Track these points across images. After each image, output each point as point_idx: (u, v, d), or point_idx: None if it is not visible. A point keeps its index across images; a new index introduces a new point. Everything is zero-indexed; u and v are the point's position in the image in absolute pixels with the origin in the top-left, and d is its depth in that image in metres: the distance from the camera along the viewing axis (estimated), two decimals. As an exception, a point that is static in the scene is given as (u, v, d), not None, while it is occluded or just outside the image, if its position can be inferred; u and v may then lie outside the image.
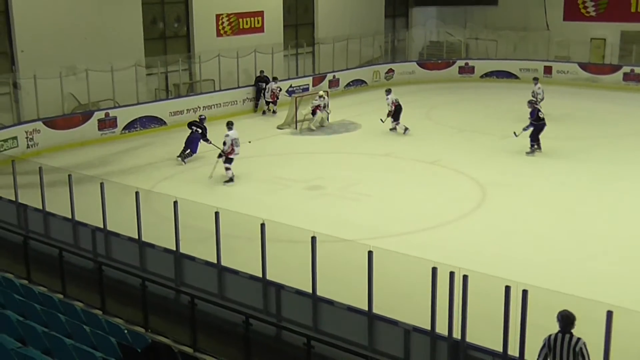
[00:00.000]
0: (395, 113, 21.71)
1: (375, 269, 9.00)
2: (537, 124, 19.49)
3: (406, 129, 21.55)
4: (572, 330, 7.33)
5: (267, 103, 25.54)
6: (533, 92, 22.72)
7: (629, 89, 29.00)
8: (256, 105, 26.02)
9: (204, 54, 25.55)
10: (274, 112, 25.30)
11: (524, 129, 19.56)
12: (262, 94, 25.81)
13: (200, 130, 19.84)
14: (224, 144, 17.50)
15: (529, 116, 19.59)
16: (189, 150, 19.64)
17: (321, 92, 23.46)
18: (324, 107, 23.03)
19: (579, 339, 7.27)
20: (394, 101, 21.76)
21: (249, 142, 19.06)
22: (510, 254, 12.88)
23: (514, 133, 19.69)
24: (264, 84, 25.78)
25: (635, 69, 29.20)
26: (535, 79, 23.27)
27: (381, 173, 18.44)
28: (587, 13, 32.65)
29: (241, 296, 10.29)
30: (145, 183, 16.67)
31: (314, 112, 22.96)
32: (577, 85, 29.73)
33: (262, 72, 26.39)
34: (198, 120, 20.30)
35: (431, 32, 35.48)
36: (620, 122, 23.99)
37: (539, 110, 19.63)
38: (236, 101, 25.58)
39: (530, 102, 20.29)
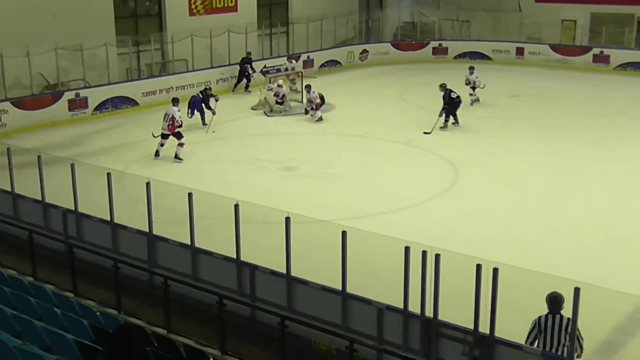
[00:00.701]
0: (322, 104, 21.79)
1: (349, 249, 9.04)
2: (450, 106, 20.06)
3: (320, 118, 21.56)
4: (562, 312, 7.55)
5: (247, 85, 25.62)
6: (467, 79, 22.73)
7: (598, 70, 29.29)
8: (235, 86, 25.86)
9: (177, 33, 25.31)
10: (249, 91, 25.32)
11: (440, 115, 19.91)
12: (245, 75, 25.70)
13: (201, 96, 20.89)
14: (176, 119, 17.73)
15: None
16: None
17: (280, 81, 23.25)
18: (282, 95, 22.73)
19: (569, 319, 7.43)
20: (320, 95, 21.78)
21: (213, 131, 19.15)
22: (482, 233, 13.00)
23: (425, 132, 19.78)
24: (249, 65, 25.70)
25: (604, 51, 29.48)
26: (471, 68, 23.07)
27: (355, 154, 18.48)
28: (559, -6, 32.82)
29: (215, 277, 10.28)
30: (118, 164, 16.54)
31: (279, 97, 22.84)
32: (549, 67, 29.97)
33: (249, 53, 26.31)
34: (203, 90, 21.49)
35: (405, 13, 35.46)
36: (590, 103, 24.25)
37: (450, 92, 20.15)
38: (209, 81, 25.35)
39: (441, 86, 20.43)
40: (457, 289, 8.96)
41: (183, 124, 18.29)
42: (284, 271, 9.61)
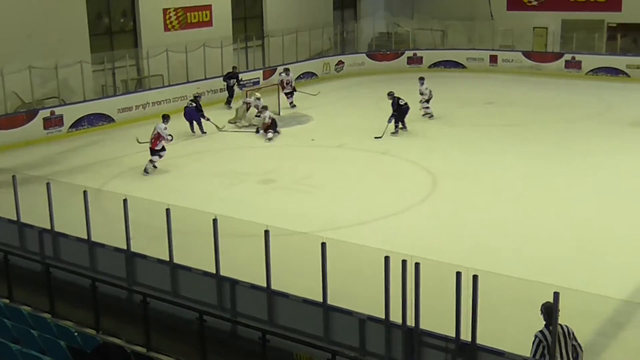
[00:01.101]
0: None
1: (329, 261, 9.02)
2: (398, 113, 20.56)
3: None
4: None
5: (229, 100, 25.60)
6: (420, 91, 22.65)
7: (570, 75, 29.60)
8: (229, 101, 25.70)
9: (152, 49, 25.23)
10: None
11: (389, 121, 20.33)
12: (228, 89, 25.74)
13: (194, 105, 21.44)
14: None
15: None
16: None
17: (258, 94, 23.23)
18: (261, 107, 22.68)
19: (567, 326, 7.41)
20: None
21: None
22: (462, 241, 13.05)
23: (376, 137, 20.29)
24: (233, 80, 25.70)
25: (576, 57, 29.82)
26: (421, 79, 22.73)
27: (333, 164, 18.50)
28: (529, 2, 33.21)
29: (195, 293, 10.21)
30: (94, 182, 16.41)
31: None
32: (522, 73, 30.25)
33: (234, 67, 26.37)
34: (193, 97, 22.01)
35: (379, 24, 35.65)
36: (564, 108, 24.48)
37: (398, 99, 20.61)
38: (186, 96, 25.21)
39: (389, 94, 20.88)
40: (438, 297, 8.97)
41: (173, 139, 18.38)
42: (264, 285, 9.57)
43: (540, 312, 7.51)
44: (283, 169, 18.01)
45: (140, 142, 17.98)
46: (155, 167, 17.90)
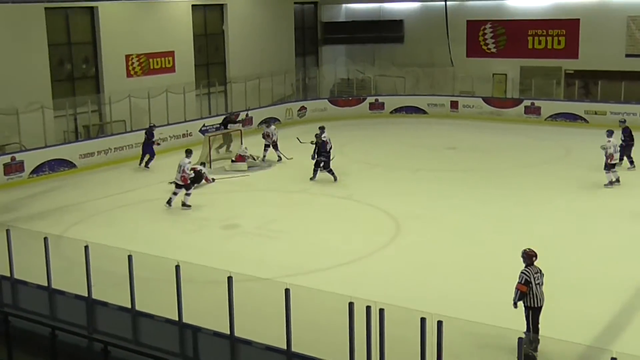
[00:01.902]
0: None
1: (293, 307, 8.99)
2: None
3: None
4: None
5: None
6: (265, 132, 23.78)
7: (530, 121, 30.20)
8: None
9: (114, 94, 25.20)
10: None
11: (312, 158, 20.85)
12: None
13: (146, 135, 22.44)
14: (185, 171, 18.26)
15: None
16: (146, 155, 22.33)
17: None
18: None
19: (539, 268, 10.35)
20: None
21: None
22: (426, 285, 13.10)
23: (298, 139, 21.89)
24: (233, 125, 25.78)
25: (535, 102, 30.46)
26: (321, 128, 21.80)
27: (297, 209, 18.52)
28: (488, 50, 34.00)
29: (157, 341, 10.07)
30: (55, 228, 16.19)
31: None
32: (482, 119, 30.76)
33: (231, 113, 26.84)
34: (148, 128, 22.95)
35: (341, 70, 36.13)
36: (524, 153, 24.91)
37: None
38: (153, 124, 25.21)
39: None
40: (402, 343, 8.98)
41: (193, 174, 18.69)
42: (228, 332, 9.48)
43: (521, 256, 10.61)
44: (246, 214, 17.96)
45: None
46: (189, 195, 18.49)
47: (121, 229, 16.99)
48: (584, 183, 20.38)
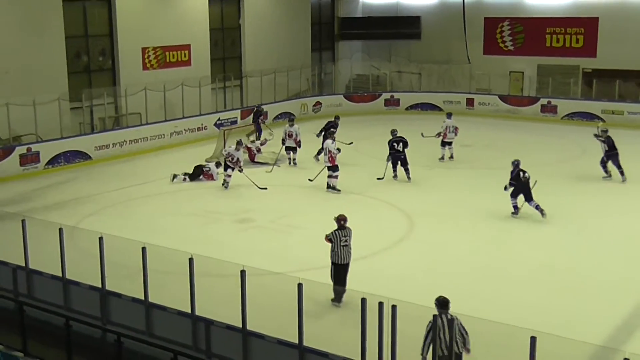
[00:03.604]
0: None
1: (306, 302, 9.00)
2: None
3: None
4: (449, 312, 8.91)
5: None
6: (287, 132, 22.49)
7: (546, 120, 30.06)
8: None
9: (130, 87, 25.30)
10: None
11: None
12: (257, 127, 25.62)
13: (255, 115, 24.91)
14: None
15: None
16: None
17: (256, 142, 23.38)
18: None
19: (456, 317, 8.79)
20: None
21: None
22: (438, 283, 13.05)
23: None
24: (260, 118, 25.71)
25: (552, 101, 30.31)
26: (291, 120, 22.87)
27: (311, 204, 18.51)
28: (506, 47, 33.84)
29: (169, 333, 10.12)
30: (70, 219, 16.29)
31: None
32: (498, 117, 30.63)
33: (259, 105, 26.56)
34: None
35: (357, 66, 36.08)
36: (540, 152, 24.76)
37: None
38: (163, 135, 25.35)
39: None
40: (414, 339, 8.97)
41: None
42: (240, 325, 9.51)
43: (434, 304, 8.92)
44: (260, 209, 17.98)
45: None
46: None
47: (135, 221, 17.06)
48: (599, 182, 20.26)
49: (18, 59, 22.68)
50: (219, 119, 27.36)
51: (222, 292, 11.07)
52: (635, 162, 23.20)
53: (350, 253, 12.07)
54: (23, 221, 11.68)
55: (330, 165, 19.22)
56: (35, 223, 12.93)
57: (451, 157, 23.12)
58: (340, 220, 12.23)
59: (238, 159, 19.61)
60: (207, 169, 20.89)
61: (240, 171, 19.12)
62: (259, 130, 25.57)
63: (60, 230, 11.10)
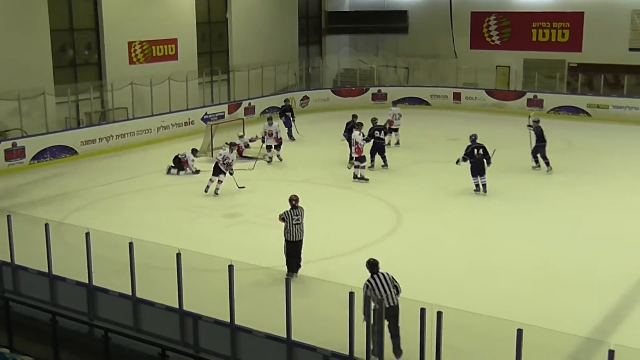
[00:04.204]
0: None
1: (294, 295, 9.01)
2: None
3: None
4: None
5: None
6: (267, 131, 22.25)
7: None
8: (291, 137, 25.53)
9: (117, 81, 25.19)
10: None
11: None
12: (285, 123, 25.43)
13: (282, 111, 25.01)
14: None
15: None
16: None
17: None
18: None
19: (387, 273, 9.89)
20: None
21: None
22: (426, 276, 13.11)
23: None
24: (290, 114, 25.57)
25: (538, 95, 30.44)
26: (270, 119, 22.71)
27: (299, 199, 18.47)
28: (492, 42, 33.95)
29: (157, 328, 10.10)
30: (56, 214, 16.22)
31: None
32: (485, 111, 30.73)
33: (286, 100, 26.39)
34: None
35: (344, 60, 36.07)
36: (526, 146, 24.83)
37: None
38: (150, 129, 25.25)
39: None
40: (401, 332, 9.00)
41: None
42: (228, 320, 9.50)
43: (366, 267, 9.96)
44: (248, 203, 17.96)
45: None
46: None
47: (122, 216, 17.00)
48: (585, 175, 20.40)
49: (2, 53, 22.52)
50: (206, 114, 27.30)
51: (210, 287, 11.06)
52: (620, 155, 23.41)
53: (302, 231, 12.81)
54: (8, 217, 11.62)
55: (357, 156, 19.55)
56: (20, 219, 12.87)
57: (397, 143, 24.00)
58: (292, 200, 12.98)
59: (232, 161, 18.99)
60: (183, 155, 20.83)
61: (231, 173, 18.71)
62: (287, 127, 25.48)
63: (47, 225, 11.05)
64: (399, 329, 9.59)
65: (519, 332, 7.47)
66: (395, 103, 25.54)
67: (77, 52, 25.72)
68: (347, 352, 8.66)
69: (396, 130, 23.98)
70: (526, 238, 15.41)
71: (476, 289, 12.55)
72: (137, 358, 9.59)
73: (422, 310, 8.00)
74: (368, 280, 9.77)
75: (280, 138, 22.51)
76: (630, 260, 13.97)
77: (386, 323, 9.02)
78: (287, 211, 12.87)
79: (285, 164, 22.07)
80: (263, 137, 22.45)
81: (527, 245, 14.94)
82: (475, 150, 18.00)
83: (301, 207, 12.96)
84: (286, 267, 12.71)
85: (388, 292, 9.69)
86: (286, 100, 26.95)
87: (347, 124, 22.55)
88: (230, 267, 9.37)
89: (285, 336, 9.08)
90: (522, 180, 20.13)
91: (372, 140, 20.81)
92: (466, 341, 9.55)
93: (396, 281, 9.89)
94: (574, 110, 29.64)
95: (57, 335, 9.69)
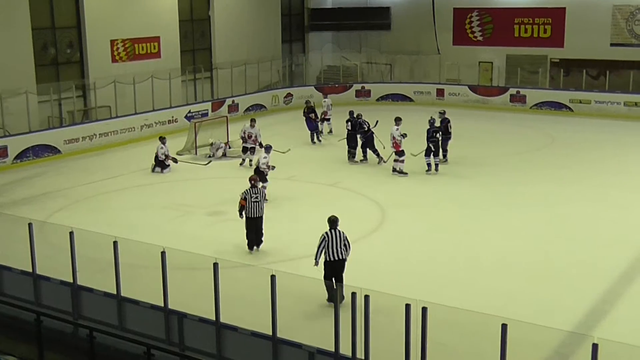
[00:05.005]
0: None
1: (279, 293, 9.02)
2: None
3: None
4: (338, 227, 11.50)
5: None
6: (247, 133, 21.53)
7: (515, 109, 30.34)
8: (312, 136, 24.72)
9: (99, 80, 25.05)
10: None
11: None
12: (308, 123, 24.62)
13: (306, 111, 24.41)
14: None
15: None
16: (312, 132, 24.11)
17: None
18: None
19: (342, 231, 11.59)
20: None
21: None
22: (411, 272, 13.17)
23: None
24: (313, 114, 24.62)
25: (520, 91, 30.61)
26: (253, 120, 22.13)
27: (282, 196, 18.49)
28: (475, 38, 34.06)
29: (142, 327, 10.08)
30: (40, 214, 16.12)
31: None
32: (468, 107, 30.84)
33: (308, 101, 25.41)
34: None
35: (328, 57, 36.07)
36: (509, 142, 25.02)
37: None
38: (134, 128, 25.15)
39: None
40: (387, 329, 9.04)
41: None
42: (213, 318, 9.50)
43: (327, 222, 11.53)
44: (232, 201, 17.87)
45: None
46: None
47: (106, 215, 16.92)
48: (567, 170, 20.54)
49: (-16, 52, 22.36)
50: (189, 112, 27.22)
51: (195, 285, 11.05)
52: (603, 150, 23.59)
53: (260, 208, 14.01)
54: (-9, 217, 11.56)
55: (396, 150, 19.86)
56: (3, 218, 12.81)
57: (330, 131, 25.37)
58: (252, 180, 14.29)
59: (256, 136, 21.16)
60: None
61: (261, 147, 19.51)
62: (309, 127, 24.55)
63: (30, 225, 10.99)
64: (343, 279, 11.28)
65: (504, 327, 7.52)
66: (326, 95, 26.91)
67: (59, 50, 25.54)
68: (332, 349, 8.68)
69: (329, 120, 25.50)
70: (510, 234, 15.50)
71: (461, 284, 12.61)
72: (122, 357, 9.57)
73: (407, 306, 8.03)
74: (325, 233, 11.50)
75: (260, 142, 21.14)
76: (613, 255, 14.09)
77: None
78: (246, 190, 14.02)
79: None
80: (242, 137, 21.66)
81: (511, 241, 15.02)
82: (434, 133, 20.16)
83: (260, 188, 14.36)
84: (247, 242, 14.06)
85: (338, 248, 11.41)
86: (307, 102, 25.35)
87: (347, 121, 22.18)
88: (215, 264, 9.36)
89: (270, 333, 9.08)
90: (506, 176, 20.23)
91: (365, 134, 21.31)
92: (451, 337, 9.60)
93: (347, 240, 11.57)
94: (557, 106, 29.82)
95: (41, 335, 9.64)
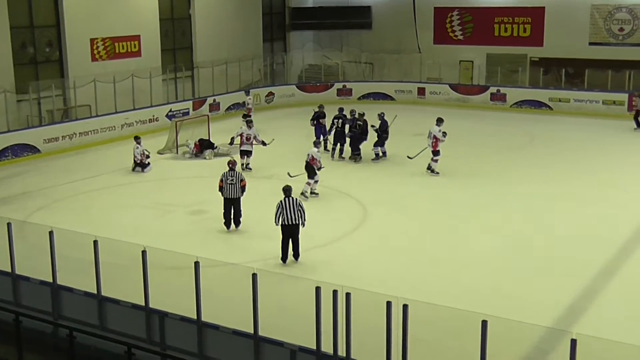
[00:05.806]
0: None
1: (260, 291, 9.01)
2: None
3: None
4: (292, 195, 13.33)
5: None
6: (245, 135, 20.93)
7: (496, 108, 30.53)
8: (326, 144, 22.84)
9: (79, 79, 24.88)
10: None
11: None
12: (318, 130, 22.88)
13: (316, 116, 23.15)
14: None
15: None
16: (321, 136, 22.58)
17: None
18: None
19: (297, 198, 13.57)
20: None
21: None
22: (392, 270, 13.21)
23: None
24: (324, 119, 22.95)
25: (501, 89, 30.79)
26: (249, 120, 21.62)
27: (263, 195, 18.45)
28: (455, 37, 34.22)
29: (123, 326, 10.04)
30: (19, 213, 16.00)
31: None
32: (449, 106, 30.96)
33: (320, 106, 23.59)
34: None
35: (309, 56, 36.06)
36: (489, 140, 25.16)
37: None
38: (114, 127, 25.01)
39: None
40: (368, 326, 9.06)
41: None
42: (195, 317, 9.48)
43: (282, 191, 13.41)
44: (213, 200, 17.83)
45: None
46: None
47: (87, 214, 16.83)
48: (547, 168, 20.69)
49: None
50: (170, 111, 27.11)
51: (177, 284, 11.01)
52: (582, 148, 23.79)
53: (236, 190, 15.27)
54: (-30, 216, 11.44)
55: (433, 150, 19.81)
56: (-18, 218, 12.67)
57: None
58: (229, 163, 15.70)
59: (255, 136, 20.91)
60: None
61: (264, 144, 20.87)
62: (317, 135, 22.49)
63: (9, 224, 10.91)
64: (299, 242, 13.35)
65: (484, 323, 7.57)
66: (248, 92, 27.63)
67: (38, 49, 25.33)
68: (314, 347, 8.69)
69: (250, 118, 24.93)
70: (490, 231, 15.59)
71: (441, 281, 12.68)
72: (103, 357, 9.53)
73: (389, 304, 8.05)
74: (281, 201, 13.32)
75: (262, 141, 20.95)
76: (591, 252, 14.22)
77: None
78: (224, 172, 15.39)
79: (253, 160, 21.95)
80: (233, 137, 21.08)
81: (491, 238, 15.12)
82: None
83: (237, 171, 15.57)
84: (223, 222, 15.40)
85: (292, 214, 13.20)
86: (320, 106, 23.63)
87: (315, 113, 22.95)
88: (197, 263, 9.35)
89: (252, 332, 9.08)
90: (486, 174, 20.33)
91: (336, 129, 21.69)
92: (432, 333, 9.64)
93: (302, 206, 13.44)
94: (536, 104, 30.02)
95: (20, 336, 9.57)
